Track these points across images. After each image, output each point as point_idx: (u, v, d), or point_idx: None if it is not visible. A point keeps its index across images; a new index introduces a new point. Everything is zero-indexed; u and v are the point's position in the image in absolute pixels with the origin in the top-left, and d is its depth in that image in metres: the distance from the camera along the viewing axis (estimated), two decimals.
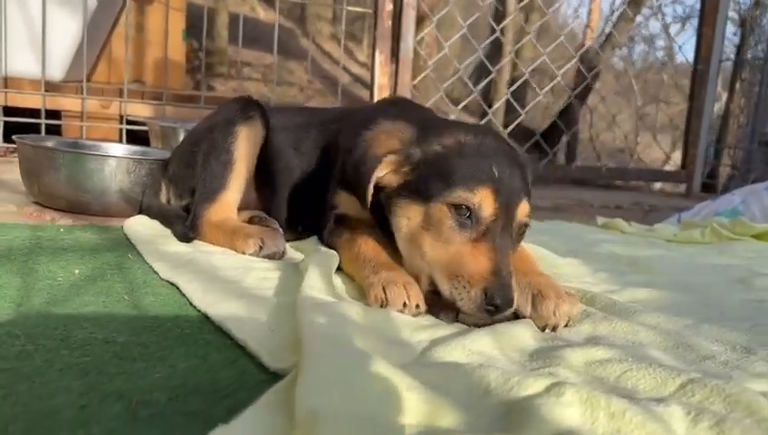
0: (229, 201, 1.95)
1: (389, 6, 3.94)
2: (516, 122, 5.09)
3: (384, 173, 1.51)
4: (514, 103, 4.91)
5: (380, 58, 3.95)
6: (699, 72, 4.83)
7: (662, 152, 7.75)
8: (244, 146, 1.96)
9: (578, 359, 1.18)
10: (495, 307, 1.34)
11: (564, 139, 8.33)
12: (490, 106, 8.39)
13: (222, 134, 1.96)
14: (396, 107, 1.97)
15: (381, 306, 1.38)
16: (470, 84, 5.13)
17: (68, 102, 3.91)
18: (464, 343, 1.20)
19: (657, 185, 5.85)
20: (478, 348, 1.20)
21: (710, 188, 5.52)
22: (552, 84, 5.12)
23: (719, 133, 6.72)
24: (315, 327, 1.07)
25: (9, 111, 3.73)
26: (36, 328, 1.18)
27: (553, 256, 2.09)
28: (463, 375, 1.04)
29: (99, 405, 0.91)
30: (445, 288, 1.38)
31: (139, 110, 4.04)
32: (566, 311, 1.42)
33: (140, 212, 2.20)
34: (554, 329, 1.41)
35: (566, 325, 1.42)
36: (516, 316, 1.43)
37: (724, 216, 3.24)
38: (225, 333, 1.22)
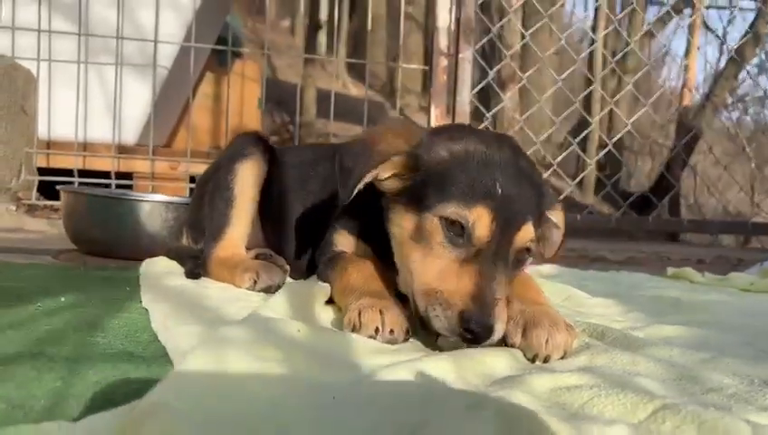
0: (235, 237, 1.93)
1: (444, 62, 3.92)
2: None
3: (388, 175, 1.39)
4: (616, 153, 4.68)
5: (436, 112, 3.91)
6: None
7: None
8: (245, 182, 1.95)
9: (543, 384, 1.02)
10: (472, 334, 1.21)
11: (665, 202, 7.89)
12: (583, 170, 8.13)
13: (224, 172, 1.97)
14: None
15: (353, 330, 1.28)
16: (569, 137, 4.98)
17: (139, 164, 4.10)
18: (417, 365, 1.07)
19: None
20: (431, 371, 1.06)
21: None
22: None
23: None
24: (219, 333, 0.98)
25: (87, 173, 3.95)
26: None
27: (583, 295, 1.91)
28: (388, 386, 0.92)
29: None
30: (421, 304, 1.27)
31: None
32: (560, 342, 1.26)
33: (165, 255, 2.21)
34: (546, 361, 1.25)
35: (561, 358, 1.26)
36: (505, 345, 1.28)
37: None
38: (165, 354, 1.16)
